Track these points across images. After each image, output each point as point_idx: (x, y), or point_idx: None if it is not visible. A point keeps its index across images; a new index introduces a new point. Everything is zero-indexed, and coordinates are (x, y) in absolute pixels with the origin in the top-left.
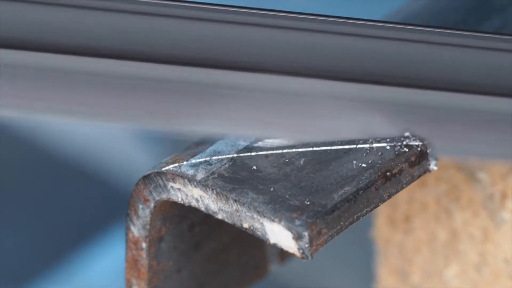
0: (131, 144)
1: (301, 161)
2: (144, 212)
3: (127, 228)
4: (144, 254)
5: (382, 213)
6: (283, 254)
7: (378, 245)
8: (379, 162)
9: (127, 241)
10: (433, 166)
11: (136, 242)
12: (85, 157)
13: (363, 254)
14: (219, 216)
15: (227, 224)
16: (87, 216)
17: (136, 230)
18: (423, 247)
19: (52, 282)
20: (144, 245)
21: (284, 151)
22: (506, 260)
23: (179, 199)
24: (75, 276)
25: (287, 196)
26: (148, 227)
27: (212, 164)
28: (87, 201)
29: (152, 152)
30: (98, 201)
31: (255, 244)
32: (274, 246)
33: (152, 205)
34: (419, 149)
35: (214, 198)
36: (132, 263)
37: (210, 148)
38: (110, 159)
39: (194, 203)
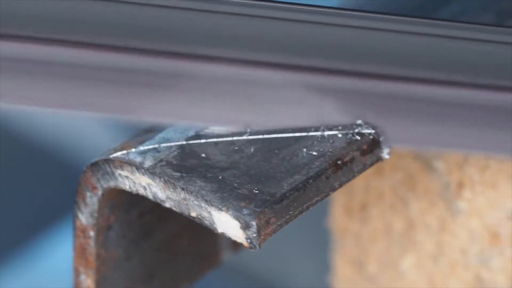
0: (100, 131)
1: (251, 149)
2: (92, 200)
3: (75, 216)
4: (92, 242)
5: (338, 201)
6: (236, 243)
7: (334, 234)
8: (330, 150)
9: (74, 229)
10: (385, 154)
11: (83, 230)
12: (49, 144)
13: (319, 244)
14: (167, 205)
15: (178, 212)
16: (48, 203)
17: (84, 218)
18: (379, 236)
19: (15, 267)
20: (92, 233)
21: (234, 138)
22: (463, 250)
23: (127, 187)
24: (37, 262)
25: (235, 185)
26: (96, 215)
27: (160, 152)
28: (50, 188)
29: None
30: (62, 188)
31: (207, 233)
32: (221, 236)
33: (100, 192)
34: (371, 137)
35: (162, 186)
36: (80, 252)
37: (159, 135)
38: (76, 146)
39: (141, 191)
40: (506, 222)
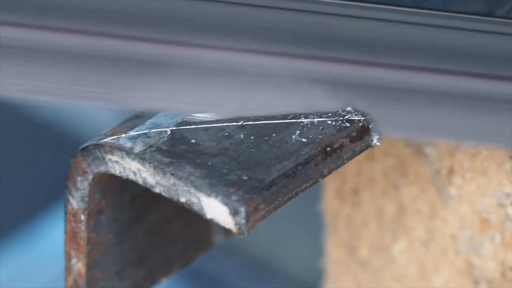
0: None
1: (241, 135)
2: (82, 184)
3: (66, 200)
4: (83, 226)
5: (330, 186)
6: None
7: (326, 218)
8: (320, 137)
9: (66, 213)
10: (375, 141)
11: (75, 214)
12: (47, 124)
13: (312, 228)
14: (156, 190)
15: None
16: (43, 185)
17: (75, 202)
18: (371, 221)
19: (7, 249)
20: (83, 217)
21: (224, 124)
22: (453, 236)
23: (117, 172)
24: (30, 245)
25: (224, 171)
26: (86, 199)
27: (150, 137)
28: (46, 169)
29: None
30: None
31: (199, 216)
32: (211, 221)
33: (90, 177)
34: (361, 124)
35: (152, 171)
36: (71, 235)
37: (150, 120)
38: (75, 126)
39: (131, 176)
40: (496, 208)
